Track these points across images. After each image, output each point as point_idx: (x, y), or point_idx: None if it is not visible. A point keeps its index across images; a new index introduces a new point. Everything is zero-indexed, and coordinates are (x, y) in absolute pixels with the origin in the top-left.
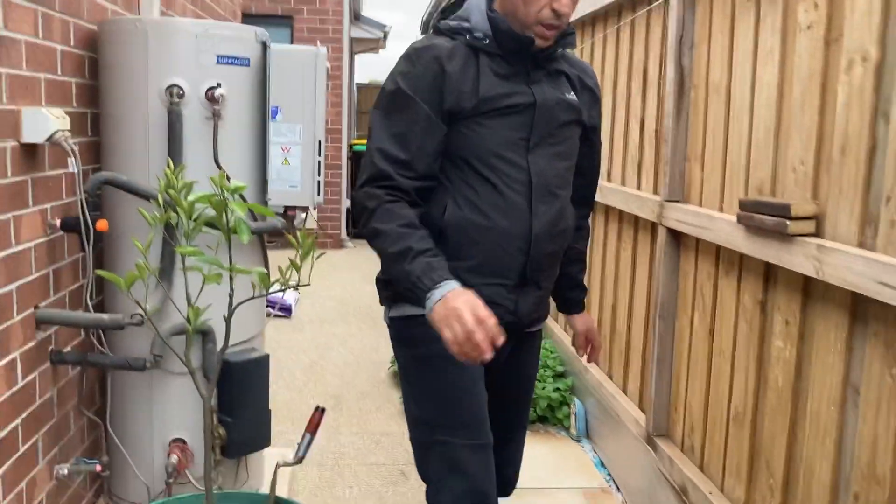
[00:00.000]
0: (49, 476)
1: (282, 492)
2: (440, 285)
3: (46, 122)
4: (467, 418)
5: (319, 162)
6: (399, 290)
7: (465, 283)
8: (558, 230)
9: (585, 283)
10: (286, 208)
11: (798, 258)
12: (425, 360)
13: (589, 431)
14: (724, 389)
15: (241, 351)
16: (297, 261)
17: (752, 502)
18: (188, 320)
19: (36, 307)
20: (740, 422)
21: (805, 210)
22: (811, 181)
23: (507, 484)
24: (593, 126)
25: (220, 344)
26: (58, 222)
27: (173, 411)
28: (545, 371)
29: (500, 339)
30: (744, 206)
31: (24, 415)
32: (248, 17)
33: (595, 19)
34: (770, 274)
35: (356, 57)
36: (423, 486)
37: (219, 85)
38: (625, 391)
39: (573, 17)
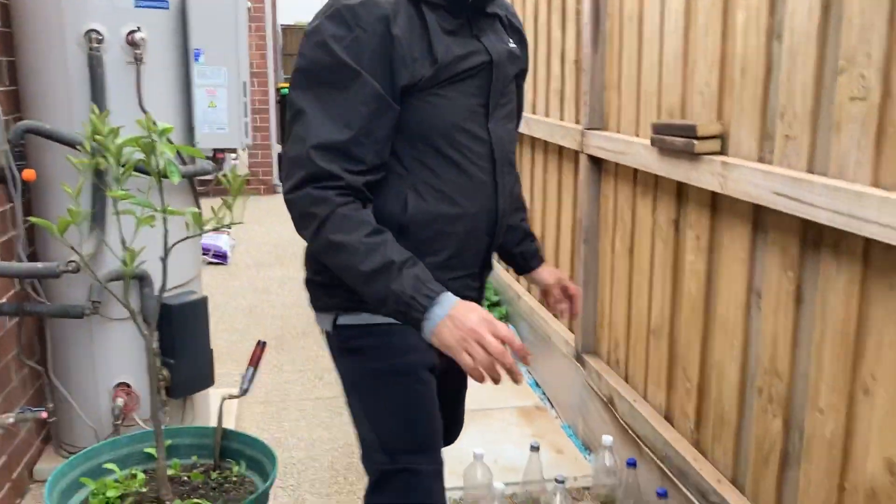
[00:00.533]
0: None
1: (228, 427)
2: (438, 301)
3: None
4: (432, 441)
5: (246, 103)
6: (349, 297)
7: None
8: (514, 199)
9: None
10: (215, 151)
11: (705, 176)
12: (384, 375)
13: None
14: (644, 305)
15: (179, 294)
16: (230, 200)
17: (671, 406)
18: (124, 263)
19: None
20: (659, 333)
21: (710, 130)
22: (716, 102)
23: (453, 439)
24: (525, 70)
25: (157, 288)
26: None
27: (115, 356)
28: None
29: (529, 358)
30: (656, 129)
31: None
32: None
33: None
34: (682, 193)
35: None
36: None
37: (139, 29)
38: (555, 315)
39: None
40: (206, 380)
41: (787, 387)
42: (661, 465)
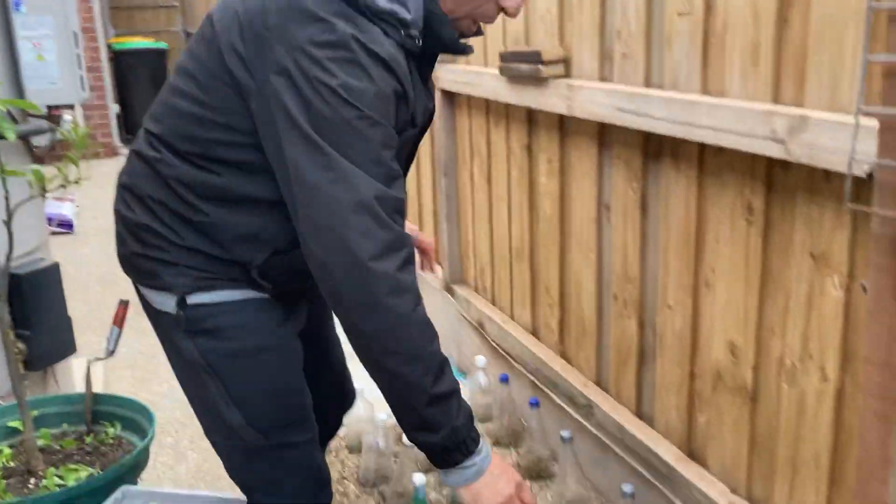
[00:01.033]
0: None
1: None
2: (481, 447)
3: None
4: (305, 412)
5: (79, 55)
6: (201, 274)
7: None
8: None
9: None
10: (50, 109)
11: (552, 99)
12: (246, 355)
13: None
14: (504, 230)
15: (27, 262)
16: (74, 154)
17: (537, 322)
18: None
19: None
20: (520, 255)
21: (554, 54)
22: (557, 28)
23: (351, 397)
24: None
25: (2, 259)
26: None
27: None
28: None
29: None
30: (503, 58)
31: None
32: None
33: None
34: (532, 119)
35: None
36: None
37: None
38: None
39: None
40: (67, 348)
41: (638, 290)
42: (532, 377)
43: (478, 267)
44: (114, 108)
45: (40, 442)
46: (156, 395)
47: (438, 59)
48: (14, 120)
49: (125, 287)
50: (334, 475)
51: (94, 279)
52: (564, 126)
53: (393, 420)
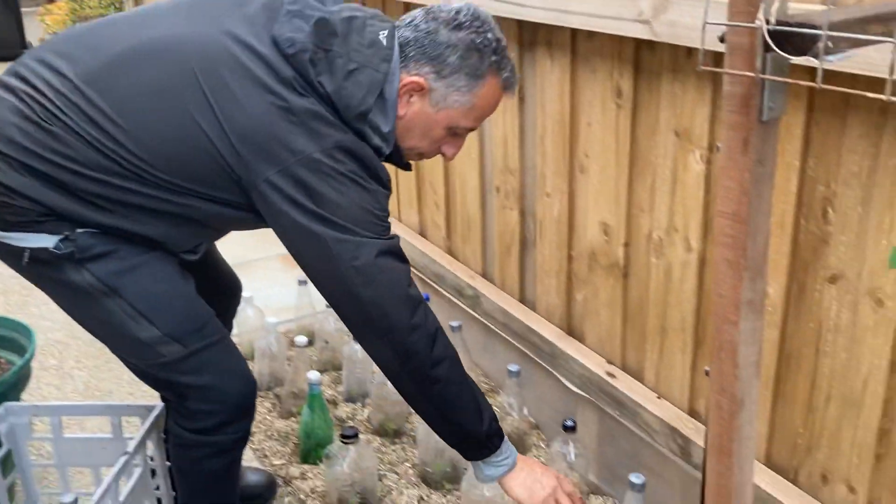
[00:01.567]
0: None
1: None
2: (506, 441)
3: None
4: (210, 313)
5: None
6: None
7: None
8: None
9: None
10: None
11: None
12: (142, 264)
13: None
14: None
15: None
16: None
17: (424, 222)
18: None
19: None
20: None
21: None
22: None
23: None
24: None
25: None
26: None
27: None
28: None
29: None
30: None
31: None
32: None
33: None
34: None
35: None
36: None
37: None
38: None
39: None
40: None
41: (519, 181)
42: (421, 274)
43: None
44: None
45: None
46: (34, 318)
47: None
48: None
49: None
50: None
51: None
52: None
53: (285, 326)
